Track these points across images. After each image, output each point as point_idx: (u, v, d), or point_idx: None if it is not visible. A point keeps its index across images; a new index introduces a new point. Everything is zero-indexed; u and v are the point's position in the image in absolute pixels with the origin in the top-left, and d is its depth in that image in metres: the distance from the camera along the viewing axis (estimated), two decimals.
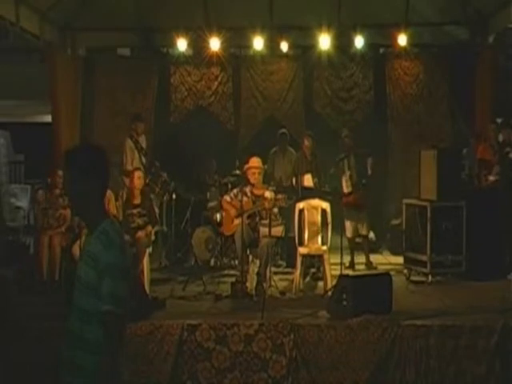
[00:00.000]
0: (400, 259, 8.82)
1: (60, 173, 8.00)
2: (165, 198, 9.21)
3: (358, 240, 9.17)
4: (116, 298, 2.65)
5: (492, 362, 6.02)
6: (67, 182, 2.91)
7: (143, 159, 9.15)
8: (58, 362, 2.82)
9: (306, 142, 9.20)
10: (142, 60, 11.24)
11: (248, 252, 7.63)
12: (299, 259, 7.68)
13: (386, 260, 9.60)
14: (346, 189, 8.91)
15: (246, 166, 7.78)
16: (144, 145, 9.38)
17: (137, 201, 7.89)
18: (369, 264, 9.00)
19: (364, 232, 9.06)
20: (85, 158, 2.83)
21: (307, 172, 9.00)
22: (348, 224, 8.92)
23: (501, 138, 9.33)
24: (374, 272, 8.46)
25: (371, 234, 9.73)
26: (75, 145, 3.15)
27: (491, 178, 8.95)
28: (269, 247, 7.36)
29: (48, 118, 10.70)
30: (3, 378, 5.88)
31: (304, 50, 11.24)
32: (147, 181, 8.80)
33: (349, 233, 8.96)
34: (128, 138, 9.19)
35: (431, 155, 8.31)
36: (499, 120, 9.63)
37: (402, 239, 8.70)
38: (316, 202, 7.90)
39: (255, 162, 7.78)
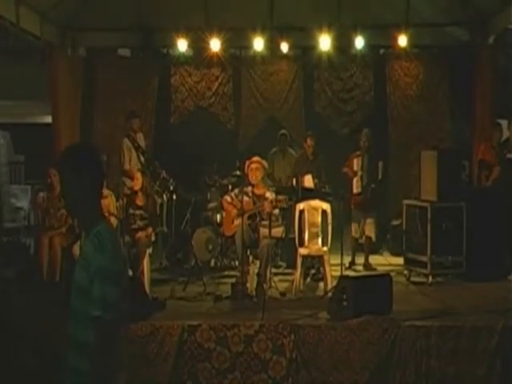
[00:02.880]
0: (400, 260, 8.82)
1: (53, 171, 7.99)
2: (164, 195, 9.19)
3: (360, 241, 9.18)
4: (106, 304, 2.61)
5: (492, 362, 6.03)
6: (62, 183, 2.87)
7: (141, 158, 9.11)
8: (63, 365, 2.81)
9: (309, 141, 9.22)
10: (143, 60, 11.22)
11: (248, 253, 7.62)
12: (299, 260, 7.68)
13: (386, 261, 9.60)
14: (355, 189, 8.93)
15: (247, 163, 7.77)
16: (142, 143, 9.34)
17: (140, 202, 7.88)
18: (367, 265, 8.99)
19: (369, 234, 9.06)
20: (78, 159, 2.81)
21: (308, 173, 9.00)
22: (355, 225, 8.97)
23: (504, 137, 9.33)
24: (374, 273, 8.46)
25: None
26: (69, 145, 3.11)
27: (489, 183, 8.98)
28: (269, 248, 7.35)
29: (48, 119, 10.70)
30: (3, 378, 5.89)
31: (304, 50, 11.24)
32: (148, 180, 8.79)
33: (354, 232, 9.00)
34: (125, 137, 9.13)
35: (431, 156, 8.32)
36: (501, 121, 9.61)
37: (402, 240, 8.71)
38: (316, 202, 7.90)
39: (256, 160, 7.77)
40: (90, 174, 2.80)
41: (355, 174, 8.97)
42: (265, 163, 7.93)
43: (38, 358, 5.91)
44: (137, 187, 7.90)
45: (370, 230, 9.05)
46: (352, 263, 9.01)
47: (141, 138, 9.36)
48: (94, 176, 2.81)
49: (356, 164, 9.00)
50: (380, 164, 8.98)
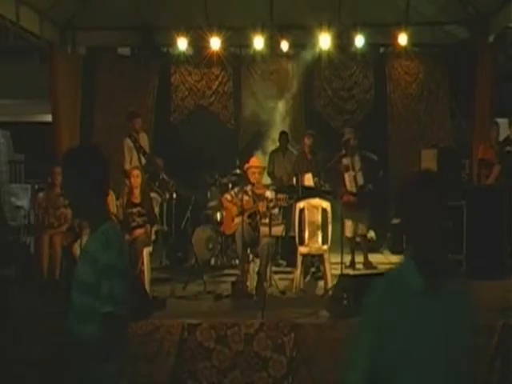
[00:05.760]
0: (401, 258, 8.78)
1: (58, 169, 7.97)
2: (164, 196, 9.19)
3: (357, 239, 9.17)
4: (115, 300, 2.64)
5: (492, 361, 6.01)
6: (66, 184, 2.89)
7: (142, 158, 9.09)
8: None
9: (307, 141, 9.22)
10: (143, 59, 11.23)
11: (248, 251, 7.62)
12: (300, 259, 7.68)
13: (386, 259, 9.60)
14: (349, 187, 8.87)
15: (246, 166, 7.78)
16: (146, 142, 9.33)
17: (137, 200, 7.88)
18: (368, 264, 8.99)
19: (363, 232, 9.05)
20: (83, 159, 2.82)
21: (307, 171, 9.00)
22: (348, 223, 8.91)
23: (504, 135, 9.33)
24: (374, 271, 8.45)
25: (372, 234, 9.72)
26: (73, 146, 3.13)
27: (490, 180, 8.98)
28: (269, 246, 7.35)
29: (48, 118, 10.70)
30: (3, 377, 5.88)
31: (304, 49, 11.24)
32: (145, 179, 8.78)
33: (348, 232, 8.94)
34: (127, 137, 9.12)
35: (431, 154, 8.33)
36: (501, 120, 9.61)
37: (402, 238, 8.70)
38: (316, 201, 7.90)
39: (255, 161, 7.78)
40: (96, 174, 2.81)
41: (347, 169, 8.88)
42: (264, 165, 7.93)
43: (38, 356, 5.90)
44: (137, 185, 7.89)
45: (364, 228, 9.04)
46: (352, 262, 9.00)
47: (144, 138, 9.32)
48: (99, 177, 2.83)
49: (345, 162, 8.92)
50: (380, 173, 8.97)
